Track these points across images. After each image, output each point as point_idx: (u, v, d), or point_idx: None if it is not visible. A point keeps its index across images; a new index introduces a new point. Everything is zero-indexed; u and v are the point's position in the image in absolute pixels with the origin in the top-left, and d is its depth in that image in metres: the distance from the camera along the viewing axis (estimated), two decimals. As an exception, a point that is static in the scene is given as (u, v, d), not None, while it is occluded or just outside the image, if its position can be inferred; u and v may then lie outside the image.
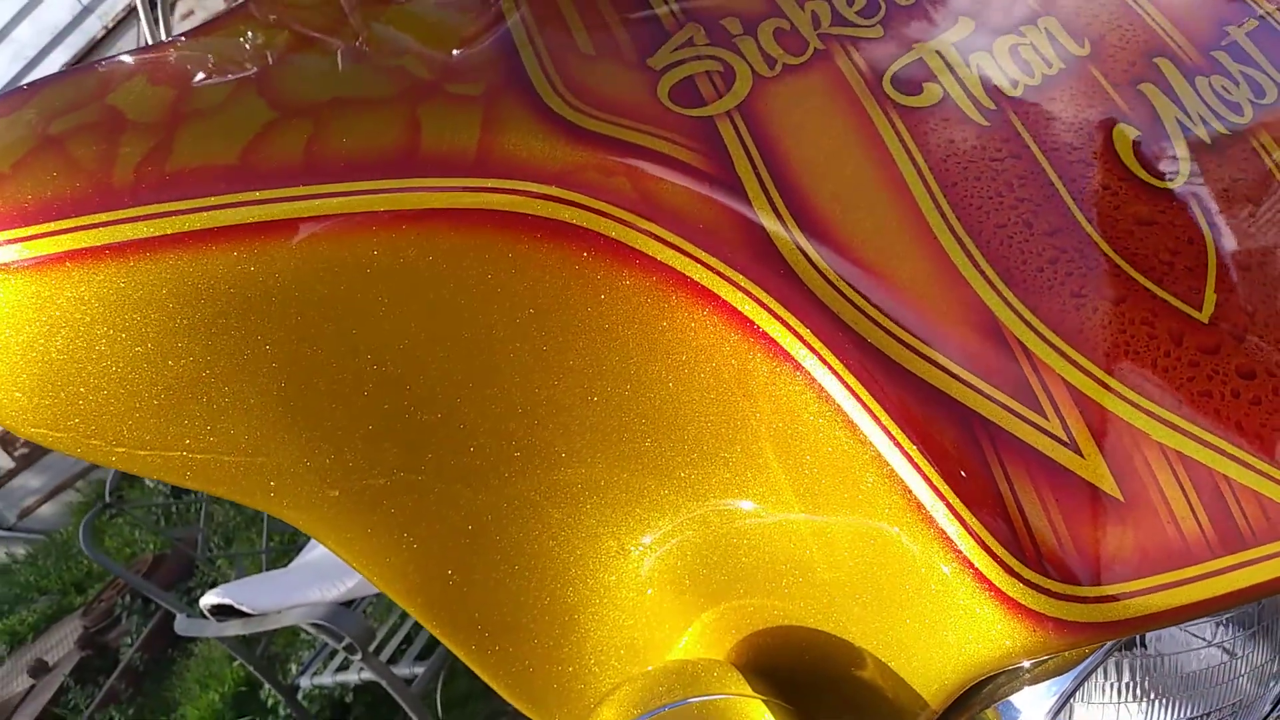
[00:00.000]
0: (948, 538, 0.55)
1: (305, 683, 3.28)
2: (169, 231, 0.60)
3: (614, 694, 0.66)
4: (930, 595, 0.57)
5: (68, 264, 0.61)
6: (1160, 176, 0.63)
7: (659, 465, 0.67)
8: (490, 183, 0.60)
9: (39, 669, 5.57)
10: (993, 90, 0.65)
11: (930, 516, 0.55)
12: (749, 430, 0.62)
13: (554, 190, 0.60)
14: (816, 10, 0.67)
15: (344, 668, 3.08)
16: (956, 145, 0.62)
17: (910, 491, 0.55)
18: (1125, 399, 0.55)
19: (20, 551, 7.83)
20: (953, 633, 0.56)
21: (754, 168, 0.60)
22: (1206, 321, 0.57)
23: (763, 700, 0.64)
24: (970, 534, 0.54)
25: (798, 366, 0.58)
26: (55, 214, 0.60)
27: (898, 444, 0.55)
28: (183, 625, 3.09)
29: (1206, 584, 0.52)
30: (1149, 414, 0.55)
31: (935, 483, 0.54)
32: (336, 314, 0.62)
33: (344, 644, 2.93)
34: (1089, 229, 0.59)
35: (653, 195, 0.60)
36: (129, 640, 5.25)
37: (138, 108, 0.62)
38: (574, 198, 0.60)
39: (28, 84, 0.66)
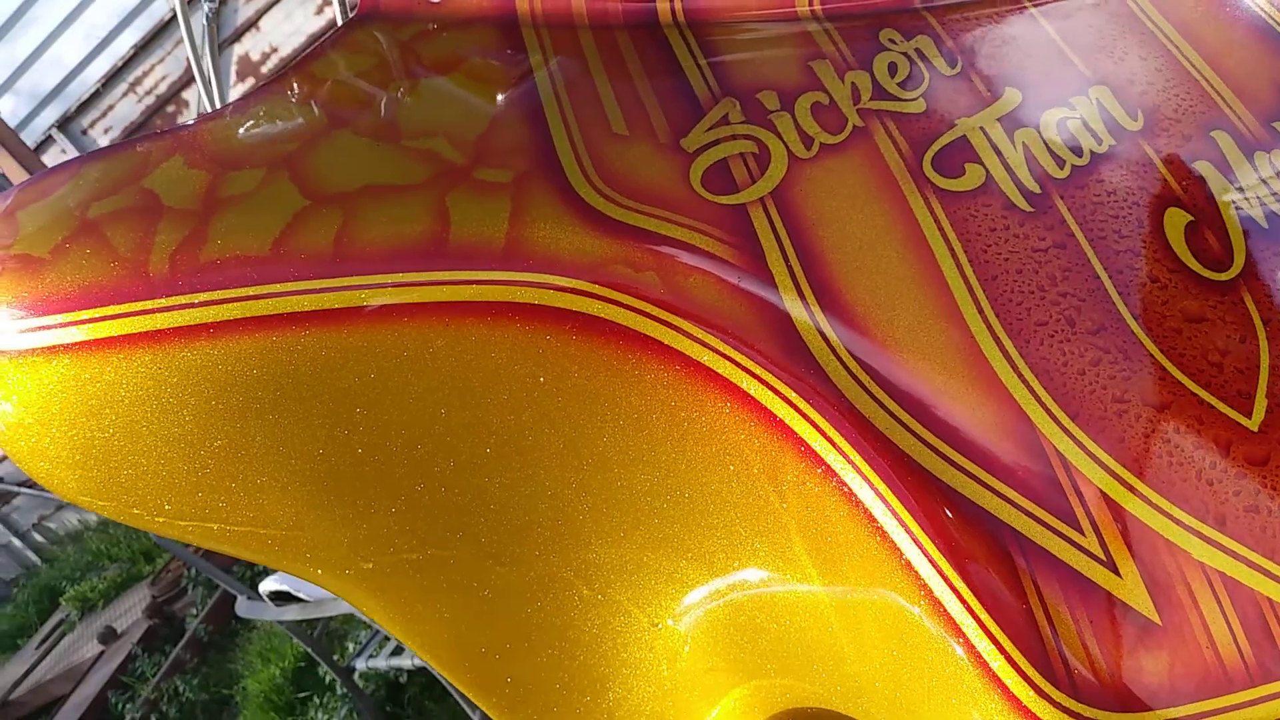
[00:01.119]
0: (977, 653, 0.53)
1: (361, 664, 3.35)
2: (203, 321, 0.60)
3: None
4: (957, 706, 0.56)
5: (106, 350, 0.62)
6: (1214, 266, 0.60)
7: (688, 548, 0.66)
8: (518, 276, 0.59)
9: (108, 636, 5.76)
10: (1038, 172, 0.62)
11: (960, 630, 0.54)
12: (778, 523, 0.62)
13: (582, 285, 0.59)
14: (857, 83, 0.66)
15: (398, 652, 3.14)
16: (998, 234, 0.60)
17: (940, 603, 0.54)
18: (1167, 514, 0.53)
19: (92, 519, 8.10)
20: (981, 745, 0.55)
21: (786, 260, 0.59)
22: (1256, 430, 0.55)
23: (790, 789, 0.63)
24: (1000, 651, 0.53)
25: (828, 470, 0.57)
26: (93, 301, 0.61)
27: (928, 555, 0.54)
28: (243, 608, 3.17)
29: (1244, 714, 0.50)
30: (1191, 530, 0.53)
31: (965, 597, 0.53)
32: (367, 400, 0.62)
33: (397, 632, 2.98)
34: (1135, 327, 0.57)
35: (682, 290, 0.59)
36: (194, 611, 5.40)
37: (174, 193, 0.63)
38: (603, 292, 0.59)
39: (68, 162, 0.67)
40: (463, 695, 2.67)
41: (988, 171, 0.62)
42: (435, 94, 0.67)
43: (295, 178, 0.62)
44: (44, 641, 6.69)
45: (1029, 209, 0.61)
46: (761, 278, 0.59)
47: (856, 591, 0.59)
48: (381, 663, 3.19)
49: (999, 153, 0.63)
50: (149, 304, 0.61)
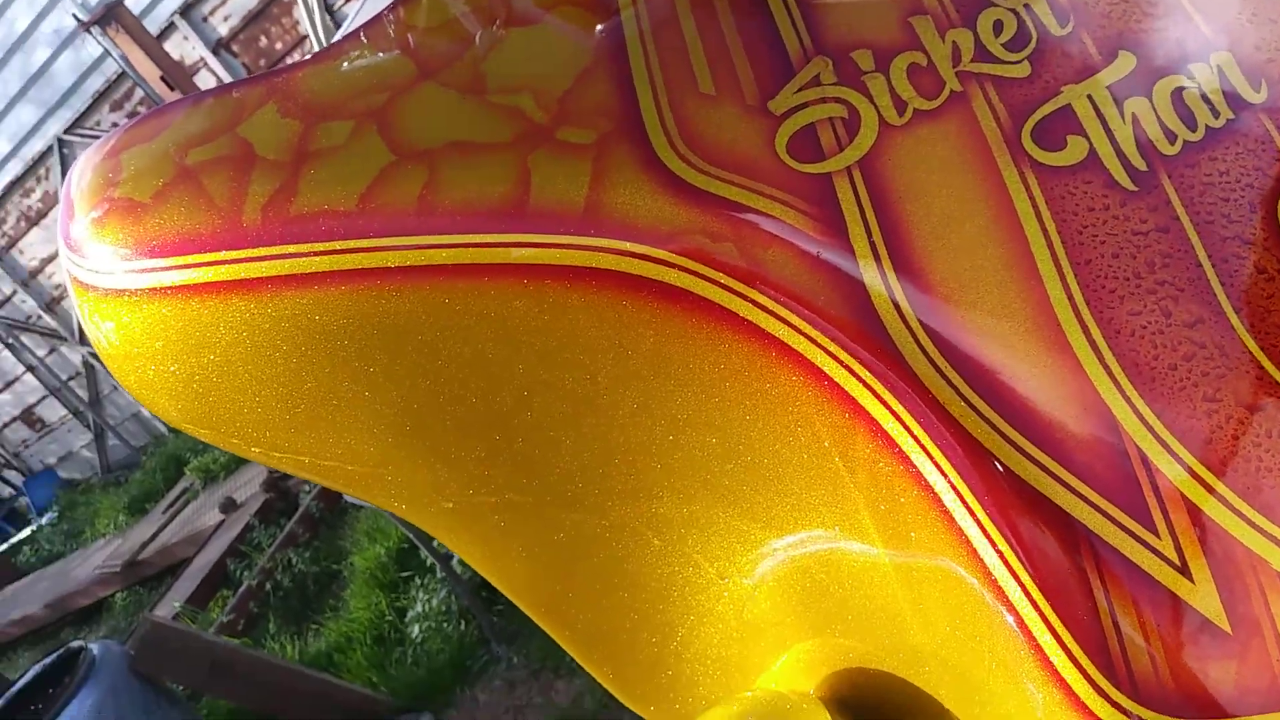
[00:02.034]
0: (1038, 645, 0.53)
1: (459, 552, 3.49)
2: (292, 272, 0.62)
3: (711, 714, 0.68)
4: (1018, 694, 0.56)
5: (202, 295, 0.64)
6: (1330, 258, 0.57)
7: (756, 510, 0.67)
8: (597, 242, 0.59)
9: (229, 506, 6.12)
10: (1146, 147, 0.59)
11: (1023, 622, 0.53)
12: (847, 495, 0.62)
13: (660, 253, 0.59)
14: (958, 42, 0.62)
15: (494, 543, 3.26)
16: (1096, 215, 0.57)
17: (1004, 594, 0.54)
18: (1249, 521, 0.51)
19: (215, 394, 8.48)
20: (1036, 733, 0.55)
21: (868, 235, 0.58)
22: (1357, 437, 0.53)
23: (846, 749, 0.65)
24: (1061, 646, 0.52)
25: (899, 452, 0.56)
26: (191, 248, 0.64)
27: (995, 546, 0.54)
28: (350, 493, 3.31)
29: (1312, 730, 0.49)
30: (1274, 540, 0.51)
31: (1030, 591, 0.53)
32: (448, 354, 0.64)
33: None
34: (1235, 322, 0.55)
35: (760, 263, 0.58)
36: (308, 489, 5.68)
37: (267, 142, 0.64)
38: (680, 262, 0.59)
39: (165, 106, 0.69)
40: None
41: (1091, 145, 0.59)
42: (522, 45, 0.66)
43: (383, 131, 0.63)
44: (170, 507, 7.14)
45: (1133, 188, 0.58)
46: (842, 251, 0.58)
47: (922, 567, 0.59)
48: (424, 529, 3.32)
49: (1105, 124, 0.59)
50: (241, 254, 0.63)
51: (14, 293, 9.78)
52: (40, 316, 9.88)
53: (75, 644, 3.57)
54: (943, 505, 0.55)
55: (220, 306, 0.64)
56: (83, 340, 9.55)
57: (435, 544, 3.78)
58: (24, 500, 11.15)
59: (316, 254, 0.62)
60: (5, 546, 10.34)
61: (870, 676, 0.71)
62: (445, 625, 3.93)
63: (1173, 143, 0.59)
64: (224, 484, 6.79)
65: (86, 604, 6.96)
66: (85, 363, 9.84)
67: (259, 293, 0.63)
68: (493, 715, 3.44)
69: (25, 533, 10.45)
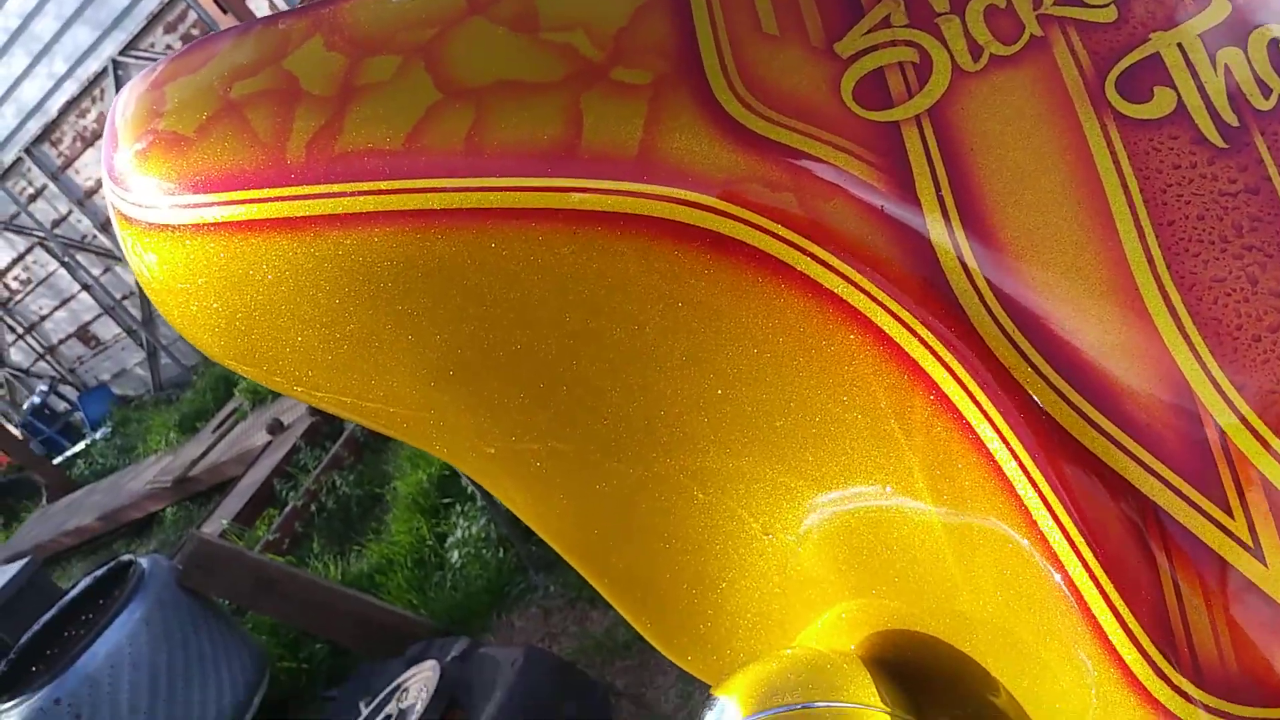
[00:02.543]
0: (1098, 624, 0.51)
1: (500, 481, 3.52)
2: (335, 211, 0.61)
3: (742, 676, 0.67)
4: (1071, 670, 0.54)
5: (245, 232, 0.63)
6: None
7: (804, 467, 0.65)
8: (649, 189, 0.57)
9: (276, 427, 6.23)
10: (1238, 101, 0.55)
11: (1083, 598, 0.52)
12: (901, 457, 0.60)
13: (716, 202, 0.57)
14: (1041, -19, 0.59)
15: (535, 474, 3.28)
16: (1183, 173, 0.54)
17: (1065, 568, 0.52)
18: (1331, 505, 0.49)
19: (262, 316, 8.60)
20: (1088, 711, 0.54)
21: (936, 188, 0.55)
22: None
23: (888, 714, 0.64)
24: (1122, 626, 0.50)
25: (959, 416, 0.54)
26: (235, 184, 0.62)
27: (1058, 521, 0.52)
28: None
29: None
30: (1356, 526, 0.48)
31: (1093, 568, 0.51)
32: (493, 298, 0.62)
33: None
34: (1327, 292, 0.51)
35: (820, 215, 0.55)
36: (351, 413, 5.77)
37: (312, 77, 0.62)
38: (736, 211, 0.56)
39: (211, 36, 0.67)
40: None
41: (1180, 97, 0.55)
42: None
43: (430, 68, 0.61)
44: (219, 427, 7.29)
45: (1222, 145, 0.54)
46: (907, 205, 0.55)
47: (976, 532, 0.57)
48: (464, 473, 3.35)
49: (1196, 75, 0.56)
50: (285, 191, 0.61)
51: (70, 212, 9.93)
52: (95, 236, 10.03)
53: (125, 558, 3.68)
54: (1002, 473, 0.53)
55: (263, 244, 0.63)
56: (135, 259, 9.67)
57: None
58: (79, 415, 11.44)
59: (361, 194, 0.60)
60: (60, 460, 10.64)
61: (913, 639, 0.70)
62: (484, 552, 3.99)
63: (1267, 97, 0.55)
64: (271, 406, 6.91)
65: (138, 517, 7.16)
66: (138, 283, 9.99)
67: (302, 232, 0.62)
68: (528, 641, 3.50)
69: (80, 447, 10.74)
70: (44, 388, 11.72)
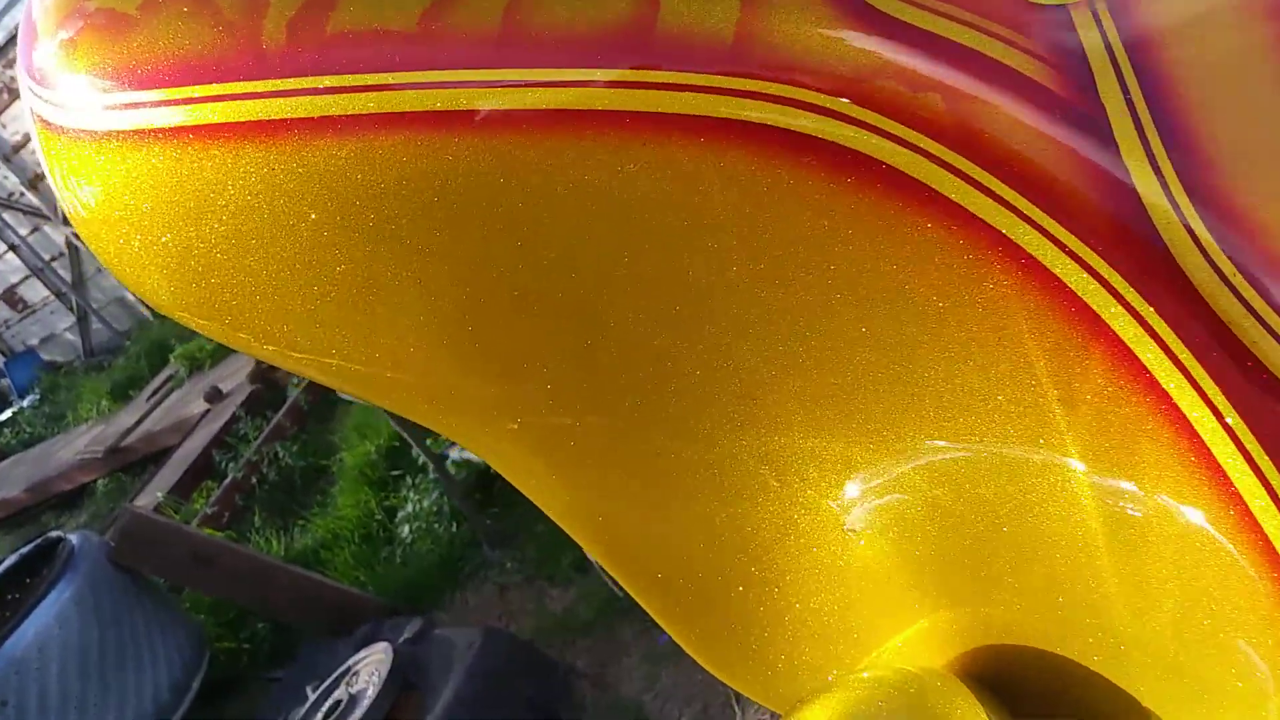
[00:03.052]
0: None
1: (455, 454, 3.38)
2: (327, 112, 0.47)
3: (823, 705, 0.55)
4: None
5: (207, 140, 0.48)
6: None
7: (915, 451, 0.53)
8: (748, 85, 0.43)
9: (214, 395, 5.99)
10: None
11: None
12: (1055, 438, 0.47)
13: (837, 103, 0.43)
14: None
15: (493, 447, 3.14)
16: None
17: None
18: None
19: (200, 281, 8.28)
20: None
21: (1124, 91, 0.42)
22: None
23: (1010, 753, 0.52)
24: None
25: (1154, 386, 0.42)
26: (192, 76, 0.48)
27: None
28: (343, 389, 3.18)
29: None
30: None
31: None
32: (528, 230, 0.48)
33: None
34: None
35: (974, 123, 0.42)
36: (296, 381, 5.54)
37: (295, -66, 0.48)
38: (864, 116, 0.43)
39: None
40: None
41: None
42: None
43: (455, -76, 0.46)
44: (154, 394, 7.00)
45: None
46: (1088, 115, 0.42)
47: (1156, 539, 0.45)
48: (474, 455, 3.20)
49: None
50: (260, 85, 0.47)
51: (-7, 168, 9.49)
52: (23, 194, 9.61)
53: (54, 534, 3.47)
54: (1210, 456, 0.41)
55: (229, 157, 0.48)
56: (66, 220, 9.30)
57: (429, 442, 3.66)
58: (4, 381, 11.01)
59: (361, 89, 0.46)
60: (-15, 427, 10.23)
61: (1030, 659, 0.58)
62: (436, 526, 3.84)
63: None
64: (210, 373, 6.65)
65: (68, 489, 6.87)
66: (69, 243, 9.61)
67: (282, 139, 0.47)
68: (483, 619, 3.37)
69: (5, 415, 10.33)
70: (-33, 353, 11.23)
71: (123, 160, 0.50)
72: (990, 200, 0.43)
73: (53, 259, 10.17)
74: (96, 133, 0.50)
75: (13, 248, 10.24)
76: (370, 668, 2.75)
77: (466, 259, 0.50)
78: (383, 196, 0.48)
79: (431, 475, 3.89)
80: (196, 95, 0.48)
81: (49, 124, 0.52)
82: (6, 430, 9.78)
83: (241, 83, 0.47)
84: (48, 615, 3.14)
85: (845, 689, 0.57)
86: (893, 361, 0.50)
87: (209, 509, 4.83)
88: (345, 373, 0.58)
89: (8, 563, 3.53)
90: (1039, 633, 0.56)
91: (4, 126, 9.17)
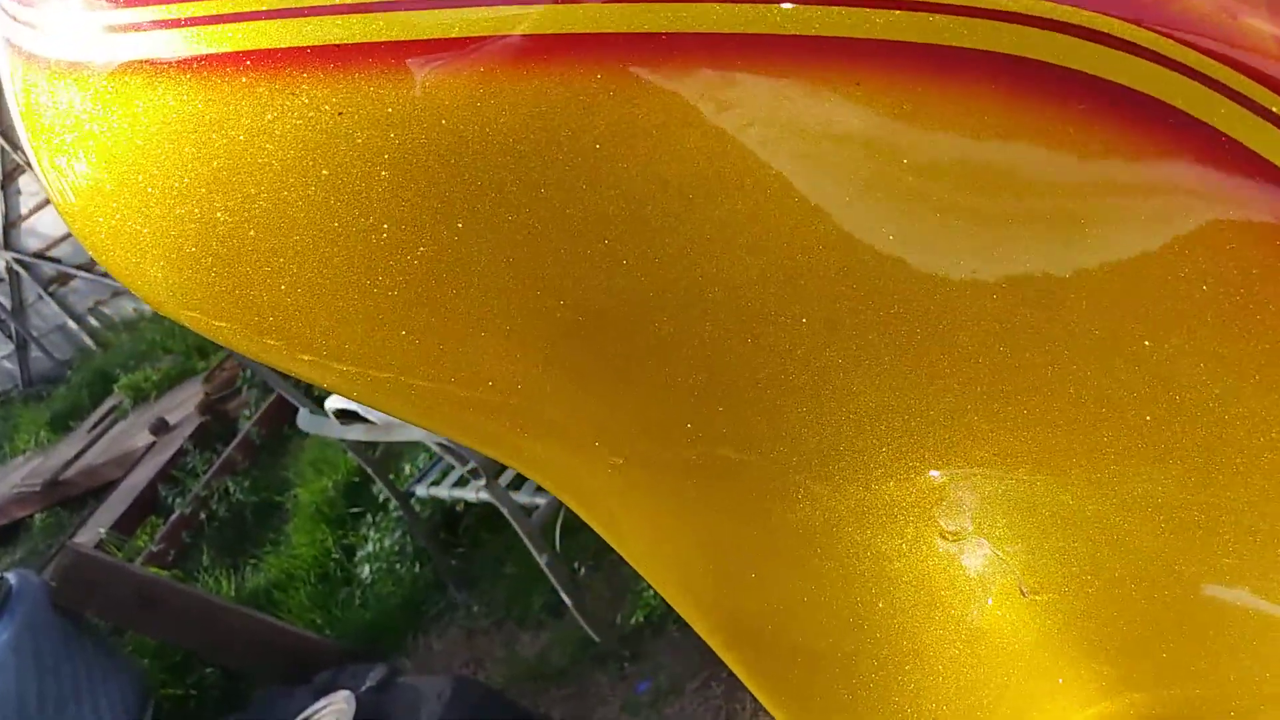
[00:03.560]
0: None
1: (421, 490, 3.22)
2: (415, 37, 0.35)
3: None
4: None
5: (246, 71, 0.36)
6: None
7: (1132, 496, 0.42)
8: (979, 0, 0.32)
9: (160, 427, 5.75)
10: None
11: None
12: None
13: (1116, 27, 0.32)
14: None
15: (462, 483, 3.00)
16: None
17: None
18: None
19: (149, 309, 8.04)
20: None
21: None
22: None
23: None
24: None
25: None
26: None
27: None
28: (305, 421, 3.02)
29: None
30: None
31: None
32: (690, 204, 0.37)
33: (468, 467, 2.82)
34: None
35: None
36: (247, 413, 5.34)
37: None
38: (1158, 45, 0.32)
39: None
40: (532, 538, 2.51)
41: None
42: None
43: None
44: (96, 426, 6.72)
45: None
46: None
47: None
48: (443, 492, 3.06)
49: None
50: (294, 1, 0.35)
51: (-70, 188, 9.17)
52: (-42, 216, 9.28)
53: (-10, 574, 3.25)
54: None
55: (277, 97, 0.36)
56: (7, 244, 9.01)
57: (392, 477, 3.50)
58: (-64, 410, 10.59)
59: (440, 5, 0.34)
60: (-86, 458, 9.81)
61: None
62: (398, 566, 3.66)
63: None
64: (156, 404, 6.39)
65: (2, 524, 6.55)
66: (9, 268, 9.29)
67: (350, 72, 0.35)
68: (449, 666, 3.20)
69: (-63, 445, 9.92)
70: (-103, 381, 10.78)
71: (126, 100, 0.38)
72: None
73: (-9, 285, 9.83)
74: (88, 64, 0.38)
75: (-51, 273, 9.89)
76: (331, 718, 2.58)
77: (592, 241, 0.38)
78: (467, 151, 0.36)
79: (394, 512, 3.72)
80: (227, 10, 0.35)
81: (25, 52, 0.39)
82: (-63, 462, 9.39)
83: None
84: (-20, 661, 2.92)
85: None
86: (1134, 389, 0.38)
87: (154, 546, 4.61)
88: (401, 390, 0.46)
89: (-64, 604, 3.30)
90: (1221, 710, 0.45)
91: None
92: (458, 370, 0.43)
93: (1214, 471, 0.40)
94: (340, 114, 0.36)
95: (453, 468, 3.01)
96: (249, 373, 5.32)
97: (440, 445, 2.64)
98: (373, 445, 3.38)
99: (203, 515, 4.78)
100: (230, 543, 4.58)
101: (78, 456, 6.40)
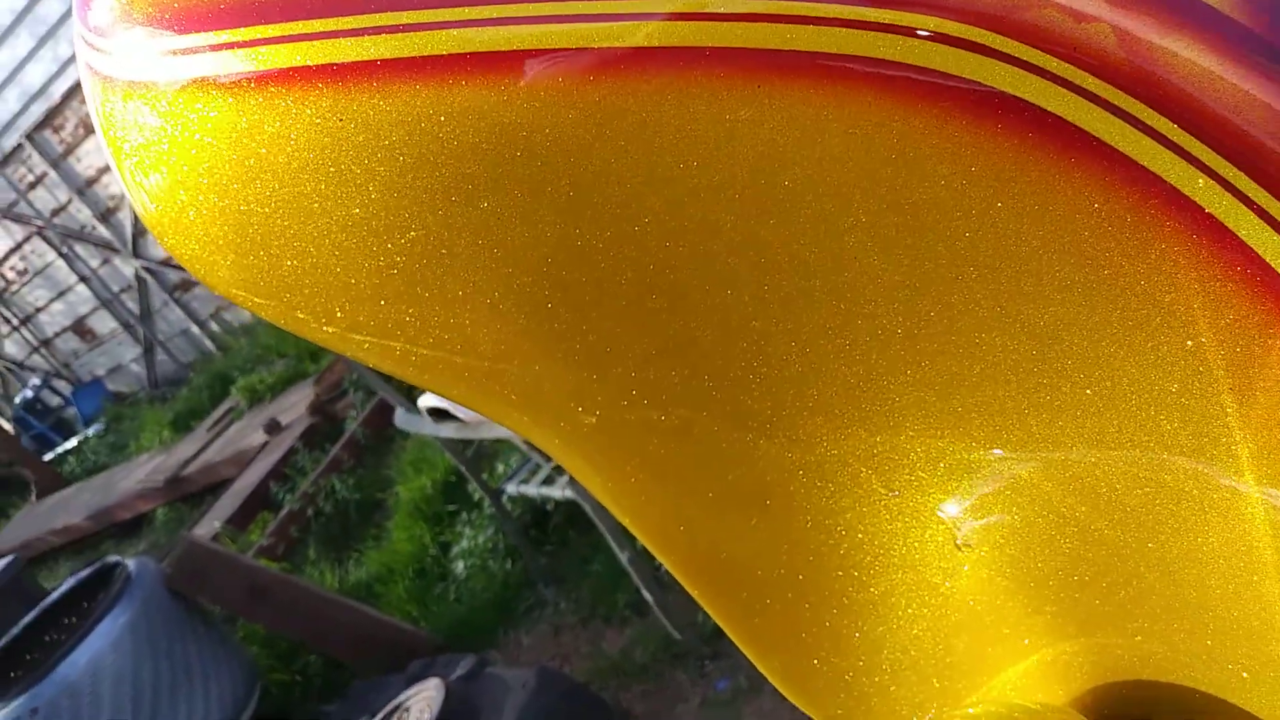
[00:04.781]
0: None
1: (511, 488, 3.33)
2: (403, 54, 0.42)
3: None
4: None
5: (270, 87, 0.44)
6: None
7: (1052, 450, 0.46)
8: (868, 14, 0.38)
9: (273, 427, 6.04)
10: None
11: None
12: (1222, 431, 0.41)
13: (979, 34, 0.38)
14: None
15: (549, 482, 3.10)
16: None
17: None
18: None
19: (264, 315, 8.41)
20: None
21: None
22: None
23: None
24: None
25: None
26: (253, 17, 0.43)
27: None
28: (402, 420, 3.16)
29: None
30: None
31: None
32: (626, 192, 0.43)
33: (553, 463, 2.92)
34: None
35: (1149, 58, 0.37)
36: (353, 414, 5.57)
37: None
38: (1010, 49, 0.37)
39: None
40: (612, 531, 2.59)
41: None
42: None
43: None
44: (215, 426, 7.08)
45: None
46: (1283, 46, 0.36)
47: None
48: (532, 490, 3.17)
49: None
50: (331, 23, 0.42)
51: (69, 201, 9.78)
52: (95, 227, 9.87)
53: (111, 559, 3.48)
54: None
55: (294, 106, 0.44)
56: (136, 253, 9.53)
57: (486, 477, 3.62)
58: (72, 411, 11.26)
59: (444, 25, 0.41)
60: (51, 456, 10.45)
61: (1164, 694, 0.51)
62: (491, 563, 3.78)
63: None
64: (269, 405, 6.71)
65: (128, 517, 6.95)
66: (138, 276, 9.84)
67: (353, 85, 0.43)
68: (537, 659, 3.29)
69: (71, 443, 10.56)
70: (37, 382, 11.49)
71: (180, 113, 0.46)
72: (1166, 150, 0.37)
73: (122, 291, 10.39)
74: (152, 84, 0.46)
75: (83, 279, 10.49)
76: (421, 704, 2.69)
77: (550, 224, 0.45)
78: (459, 152, 0.43)
79: (487, 511, 3.85)
80: (257, 36, 0.43)
81: (102, 76, 0.48)
82: (71, 458, 9.97)
83: (310, 21, 0.42)
84: (102, 641, 3.13)
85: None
86: (1031, 346, 0.43)
87: (265, 540, 4.84)
88: (410, 358, 0.53)
89: (66, 586, 3.55)
90: (1181, 667, 0.48)
91: (79, 160, 9.44)
92: (453, 340, 0.50)
93: (1122, 431, 0.45)
94: (340, 120, 0.43)
95: (540, 466, 3.12)
96: (355, 375, 5.55)
97: (526, 443, 2.74)
98: (467, 444, 3.51)
99: (310, 511, 5.00)
100: (335, 538, 4.79)
101: (197, 455, 6.75)
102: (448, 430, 2.92)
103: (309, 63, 0.43)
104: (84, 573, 3.58)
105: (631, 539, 2.84)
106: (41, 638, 3.38)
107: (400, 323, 0.50)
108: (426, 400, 2.82)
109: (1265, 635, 0.44)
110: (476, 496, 3.95)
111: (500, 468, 3.98)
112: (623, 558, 2.71)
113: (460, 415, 2.74)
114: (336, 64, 0.43)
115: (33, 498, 9.01)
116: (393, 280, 0.48)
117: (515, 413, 0.55)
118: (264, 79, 0.44)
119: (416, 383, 0.57)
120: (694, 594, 0.60)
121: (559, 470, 2.82)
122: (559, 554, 3.59)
